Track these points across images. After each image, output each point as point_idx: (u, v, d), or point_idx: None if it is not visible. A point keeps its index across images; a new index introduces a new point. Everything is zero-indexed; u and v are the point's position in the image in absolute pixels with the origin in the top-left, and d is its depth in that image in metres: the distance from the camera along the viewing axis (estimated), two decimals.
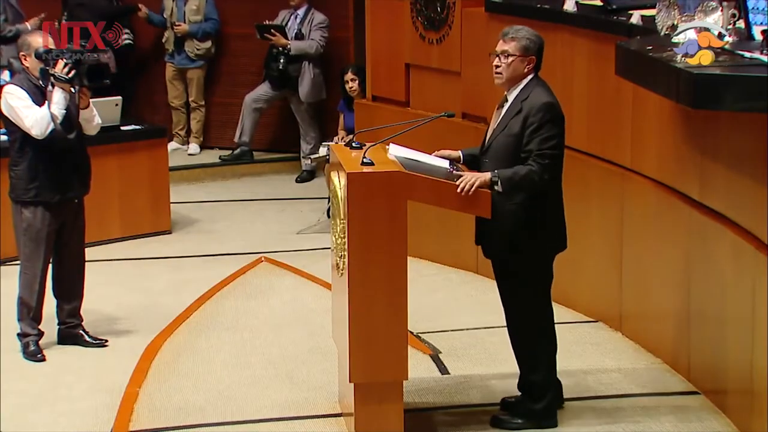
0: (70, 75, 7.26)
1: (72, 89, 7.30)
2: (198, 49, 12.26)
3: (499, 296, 6.54)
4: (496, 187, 6.09)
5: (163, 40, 12.18)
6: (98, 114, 7.64)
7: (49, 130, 7.28)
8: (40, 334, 7.60)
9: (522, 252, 6.25)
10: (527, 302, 6.36)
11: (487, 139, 6.38)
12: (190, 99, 12.44)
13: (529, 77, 6.25)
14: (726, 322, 6.46)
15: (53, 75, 7.27)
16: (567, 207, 6.44)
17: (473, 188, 6.05)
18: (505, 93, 6.33)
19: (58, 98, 7.29)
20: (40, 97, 7.35)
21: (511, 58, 6.23)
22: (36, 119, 7.28)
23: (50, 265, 7.61)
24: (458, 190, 6.04)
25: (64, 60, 7.26)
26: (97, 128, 7.64)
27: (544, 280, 6.38)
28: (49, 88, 7.34)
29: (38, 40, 7.41)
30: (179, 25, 12.12)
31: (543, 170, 6.09)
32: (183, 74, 12.38)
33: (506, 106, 6.29)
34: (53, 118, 7.27)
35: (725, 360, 6.50)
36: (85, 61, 7.34)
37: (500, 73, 6.26)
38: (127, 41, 11.90)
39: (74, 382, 7.22)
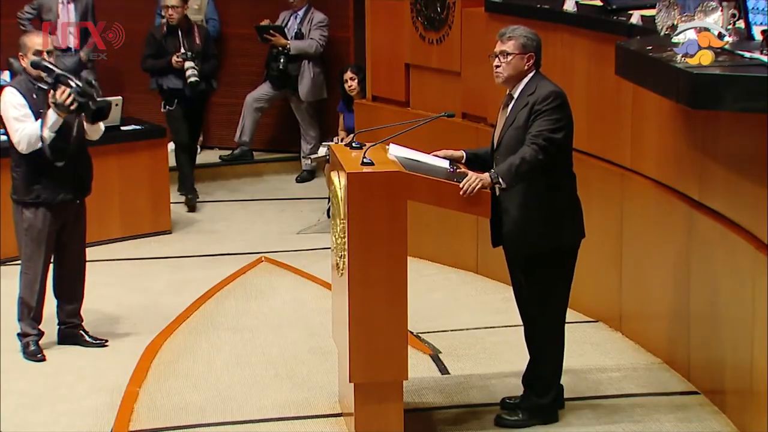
0: (71, 108, 7.21)
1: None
2: None
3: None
4: (497, 186, 6.10)
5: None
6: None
7: (34, 148, 7.27)
8: (40, 334, 7.60)
9: (546, 244, 6.25)
10: (550, 299, 6.36)
11: (496, 137, 6.38)
12: None
13: (532, 73, 6.28)
14: (725, 322, 6.46)
15: (54, 102, 7.21)
16: None
17: (475, 189, 6.05)
18: (509, 91, 6.33)
19: (51, 120, 7.23)
20: (38, 99, 7.33)
21: (510, 57, 6.25)
22: (23, 136, 7.26)
23: (51, 266, 7.62)
24: (461, 193, 6.04)
25: (69, 90, 7.18)
26: (99, 134, 7.61)
27: (566, 278, 6.39)
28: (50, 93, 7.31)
29: (35, 41, 7.39)
30: None
31: (536, 151, 6.09)
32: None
33: (512, 103, 6.29)
34: (42, 139, 7.24)
35: (725, 360, 6.50)
36: (93, 99, 7.25)
37: (501, 73, 6.28)
38: (192, 79, 10.63)
39: (74, 382, 7.23)
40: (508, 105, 6.33)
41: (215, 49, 11.29)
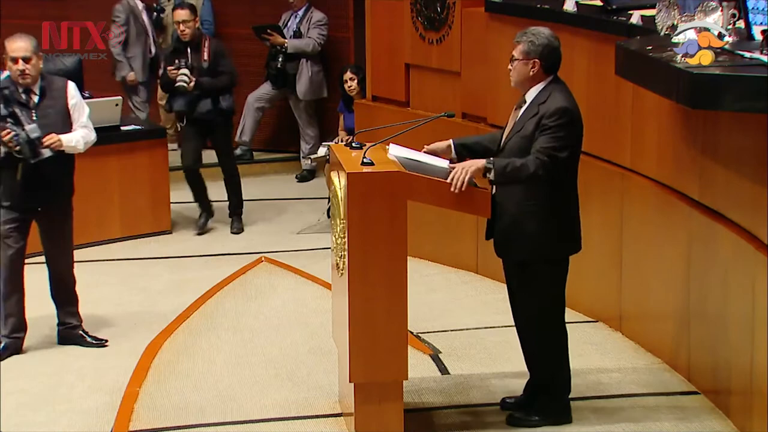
0: (15, 149, 7.22)
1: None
2: None
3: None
4: (488, 175, 6.07)
5: (160, 40, 12.15)
6: (97, 112, 7.65)
7: None
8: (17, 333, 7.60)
9: (544, 254, 6.25)
10: (543, 303, 6.35)
11: (503, 139, 6.37)
12: None
13: (548, 79, 6.23)
14: (726, 322, 6.46)
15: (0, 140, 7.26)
16: None
17: (465, 181, 6.02)
18: (524, 94, 6.31)
19: None
20: (13, 102, 7.29)
21: (515, 62, 6.25)
22: None
23: (48, 267, 7.63)
24: (451, 189, 6.03)
25: (13, 134, 7.18)
26: (82, 148, 7.53)
27: (560, 282, 6.38)
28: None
29: (11, 46, 7.34)
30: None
31: (538, 166, 6.06)
32: None
33: (524, 107, 6.27)
34: None
35: (725, 360, 6.50)
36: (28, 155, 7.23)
37: (511, 77, 6.29)
38: (180, 83, 9.91)
39: (74, 382, 7.23)
40: (521, 107, 6.30)
41: (229, 66, 10.17)
